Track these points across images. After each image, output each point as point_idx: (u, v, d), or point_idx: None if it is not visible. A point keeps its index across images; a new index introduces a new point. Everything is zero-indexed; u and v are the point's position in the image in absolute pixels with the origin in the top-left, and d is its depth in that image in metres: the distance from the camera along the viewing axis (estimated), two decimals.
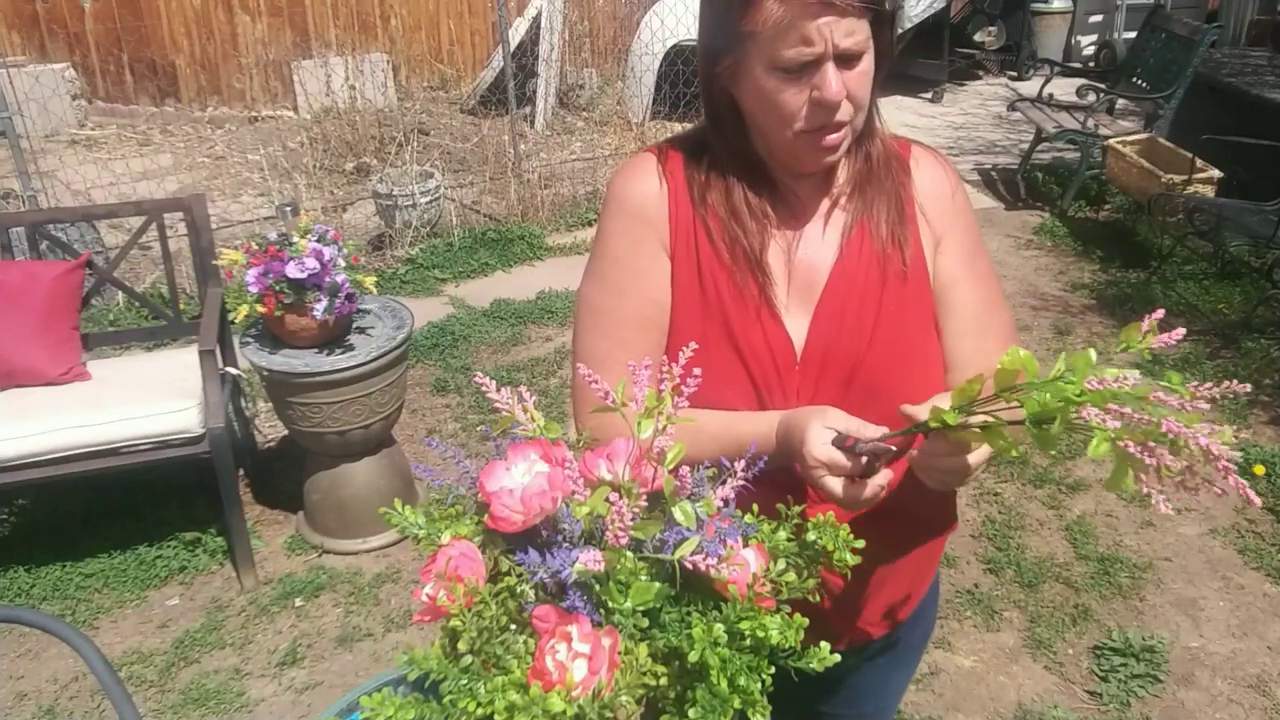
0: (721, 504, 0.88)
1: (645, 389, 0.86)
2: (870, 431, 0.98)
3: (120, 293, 4.16)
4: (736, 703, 0.76)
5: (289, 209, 3.04)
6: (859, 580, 1.18)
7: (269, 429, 3.65)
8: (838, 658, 0.84)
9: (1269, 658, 2.59)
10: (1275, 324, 4.16)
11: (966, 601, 2.81)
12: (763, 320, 1.12)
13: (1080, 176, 5.52)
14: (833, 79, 1.00)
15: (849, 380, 1.13)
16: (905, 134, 1.24)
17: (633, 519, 0.80)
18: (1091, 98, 5.57)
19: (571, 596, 0.78)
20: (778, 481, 1.00)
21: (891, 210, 1.15)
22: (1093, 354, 0.81)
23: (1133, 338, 0.80)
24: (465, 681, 0.76)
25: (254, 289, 2.70)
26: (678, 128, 6.23)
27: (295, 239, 2.77)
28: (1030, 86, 7.39)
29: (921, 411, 0.95)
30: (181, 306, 3.52)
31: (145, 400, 2.81)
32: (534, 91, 7.02)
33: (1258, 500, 0.78)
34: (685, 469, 0.87)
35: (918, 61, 7.94)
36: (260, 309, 2.73)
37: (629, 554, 0.79)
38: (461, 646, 0.77)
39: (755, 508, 0.91)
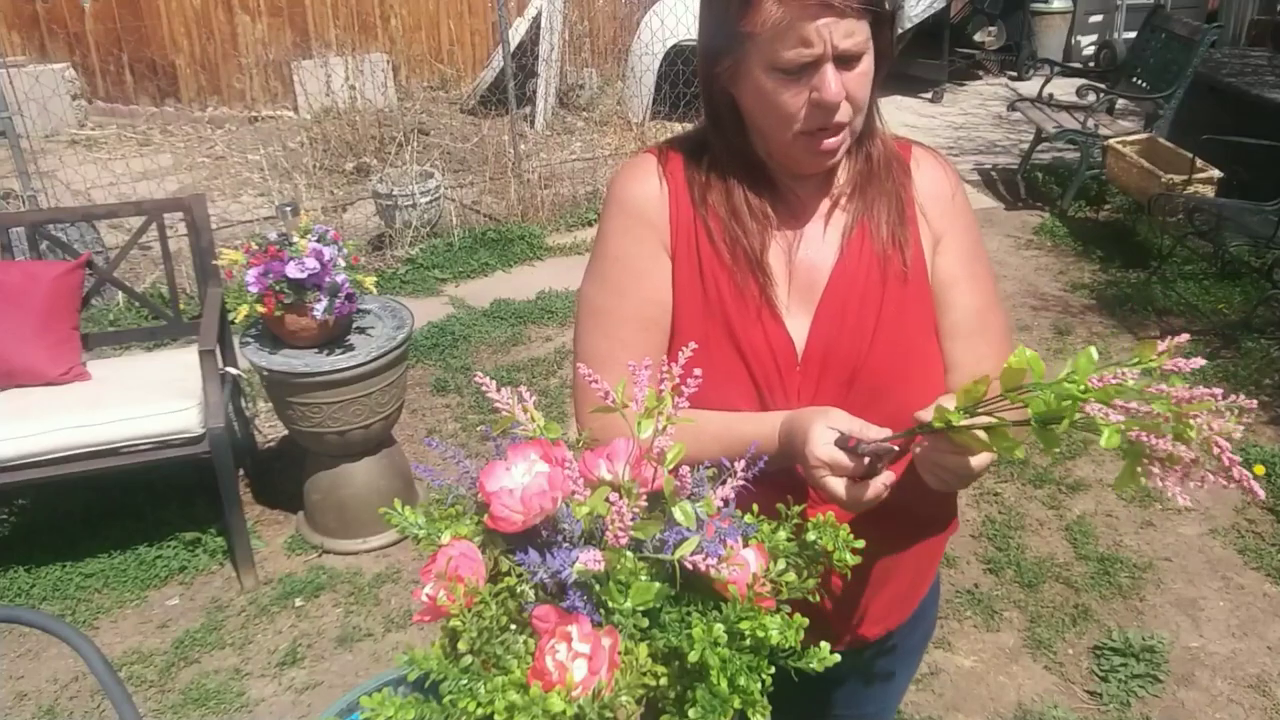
0: (721, 504, 0.88)
1: (645, 389, 0.86)
2: (873, 432, 0.97)
3: (120, 293, 4.16)
4: (736, 703, 0.76)
5: (289, 209, 3.04)
6: (860, 581, 1.18)
7: (269, 429, 3.65)
8: (838, 658, 0.84)
9: (1269, 658, 2.59)
10: (1275, 324, 4.16)
11: (966, 601, 2.81)
12: (764, 321, 1.12)
13: (1080, 176, 5.52)
14: (832, 80, 1.00)
15: (850, 381, 1.13)
16: (905, 134, 1.24)
17: (633, 519, 0.80)
18: (1091, 98, 5.57)
19: (571, 596, 0.78)
20: (778, 481, 1.00)
21: (892, 211, 1.15)
22: (1094, 352, 0.81)
23: (1147, 354, 0.80)
24: (465, 681, 0.76)
25: (254, 289, 2.70)
26: (678, 128, 6.24)
27: (295, 239, 2.77)
28: (1030, 86, 7.39)
29: (929, 414, 0.95)
30: (181, 306, 3.52)
31: (145, 400, 2.81)
32: (534, 91, 7.02)
33: (1262, 493, 0.78)
34: (685, 469, 0.87)
35: (918, 61, 7.94)
36: (260, 309, 2.73)
37: (629, 554, 0.79)
38: (461, 646, 0.77)
39: (755, 508, 0.91)
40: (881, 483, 0.98)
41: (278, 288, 2.70)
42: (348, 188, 6.06)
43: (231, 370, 3.17)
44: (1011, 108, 6.28)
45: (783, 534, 0.89)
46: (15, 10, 7.50)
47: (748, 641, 0.79)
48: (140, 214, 3.34)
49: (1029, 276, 4.86)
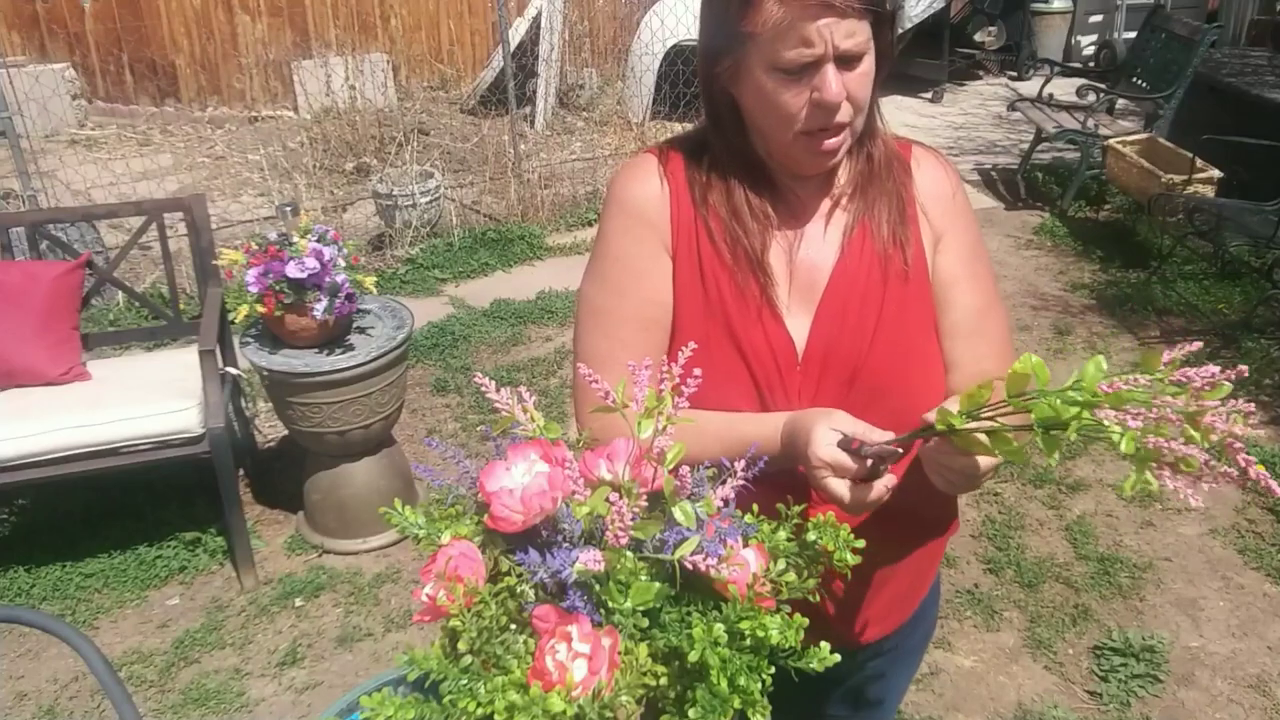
0: (721, 504, 0.88)
1: (645, 389, 0.86)
2: (876, 435, 0.97)
3: (120, 293, 4.16)
4: (736, 703, 0.76)
5: (289, 209, 3.04)
6: (860, 582, 1.18)
7: (269, 429, 3.65)
8: (838, 658, 0.83)
9: (1269, 658, 2.59)
10: (1275, 324, 4.16)
11: (966, 601, 2.81)
12: (764, 320, 1.12)
13: (1080, 176, 5.52)
14: (833, 80, 1.00)
15: (850, 380, 1.13)
16: (905, 134, 1.24)
17: (633, 519, 0.80)
18: (1091, 98, 5.57)
19: (571, 596, 0.78)
20: (778, 482, 1.00)
21: (893, 210, 1.15)
22: (1103, 361, 0.81)
23: (1152, 363, 0.79)
24: (465, 681, 0.76)
25: (254, 289, 2.70)
26: (678, 128, 6.24)
27: (295, 239, 2.77)
28: (1030, 86, 7.39)
29: (934, 417, 0.94)
30: (181, 306, 3.52)
31: (145, 400, 2.81)
32: (534, 91, 7.02)
33: (1279, 489, 0.78)
34: (685, 469, 0.87)
35: (918, 61, 7.94)
36: (260, 309, 2.73)
37: (629, 554, 0.79)
38: (461, 646, 0.77)
39: (755, 508, 0.91)
40: (884, 485, 0.98)
41: (278, 288, 2.70)
42: (348, 188, 6.06)
43: (231, 370, 3.17)
44: (1011, 108, 6.28)
45: (783, 534, 0.89)
46: (15, 10, 7.50)
47: (748, 641, 0.78)
48: (140, 214, 3.34)
49: (1029, 276, 4.86)
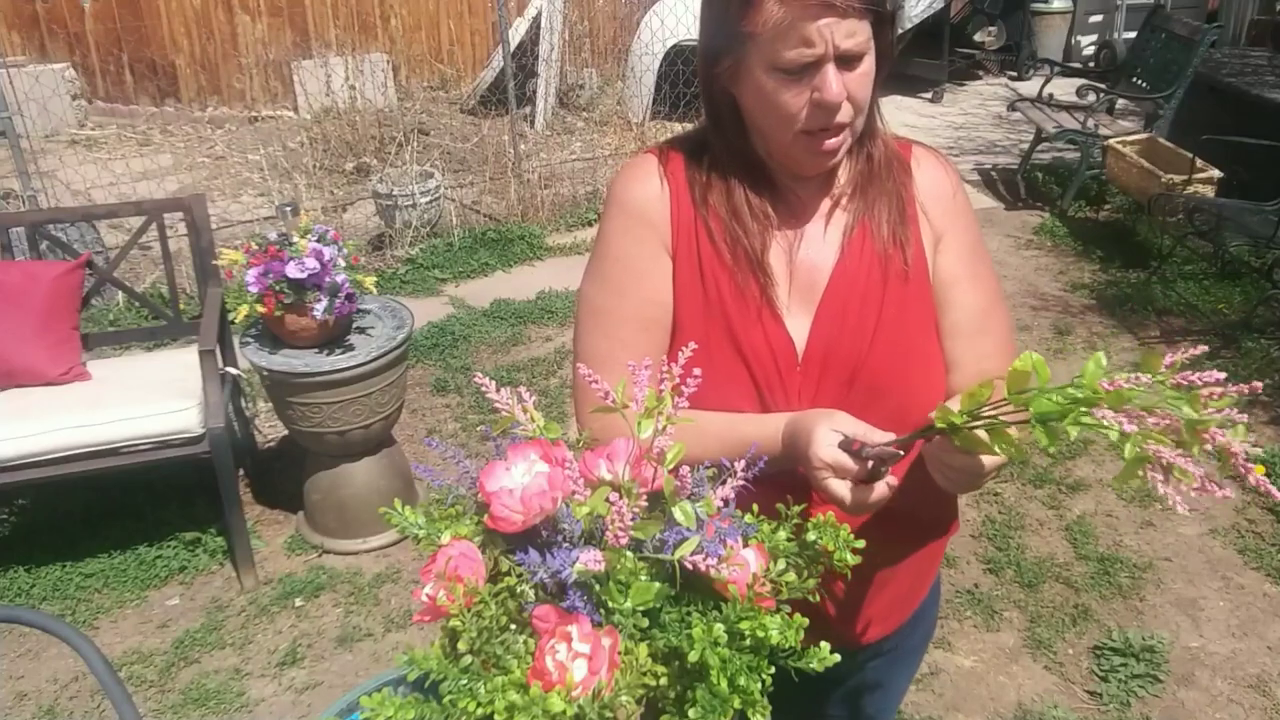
0: (721, 504, 0.87)
1: (645, 389, 0.86)
2: (877, 436, 0.97)
3: (120, 293, 4.16)
4: (736, 703, 0.76)
5: (289, 209, 3.04)
6: (860, 582, 1.18)
7: (269, 429, 3.65)
8: (838, 658, 0.83)
9: (1269, 658, 2.59)
10: (1275, 324, 4.16)
11: (966, 601, 2.81)
12: (764, 321, 1.12)
13: (1080, 176, 5.52)
14: (833, 80, 1.00)
15: (850, 381, 1.13)
16: (905, 134, 1.24)
17: (633, 519, 0.80)
18: (1091, 98, 5.57)
19: (571, 596, 0.78)
20: (778, 482, 1.00)
21: (893, 210, 1.14)
22: (1102, 357, 0.81)
23: (1153, 365, 0.80)
24: (465, 681, 0.76)
25: (254, 289, 2.70)
26: (678, 128, 6.24)
27: (295, 239, 2.77)
28: (1030, 86, 7.39)
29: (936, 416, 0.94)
30: (181, 306, 3.52)
31: (145, 400, 2.81)
32: (534, 91, 7.03)
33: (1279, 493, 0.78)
34: (685, 469, 0.87)
35: (918, 61, 7.94)
36: (260, 309, 2.73)
37: (629, 554, 0.79)
38: (461, 646, 0.77)
39: (755, 508, 0.91)
40: (884, 486, 0.98)
41: (278, 288, 2.70)
42: (348, 188, 6.06)
43: (231, 370, 3.17)
44: (1011, 108, 6.28)
45: (783, 534, 0.89)
46: (15, 10, 7.50)
47: (748, 641, 0.78)
48: (140, 214, 3.34)
49: (1029, 276, 4.86)
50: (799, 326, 1.13)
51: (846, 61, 1.00)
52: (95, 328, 3.93)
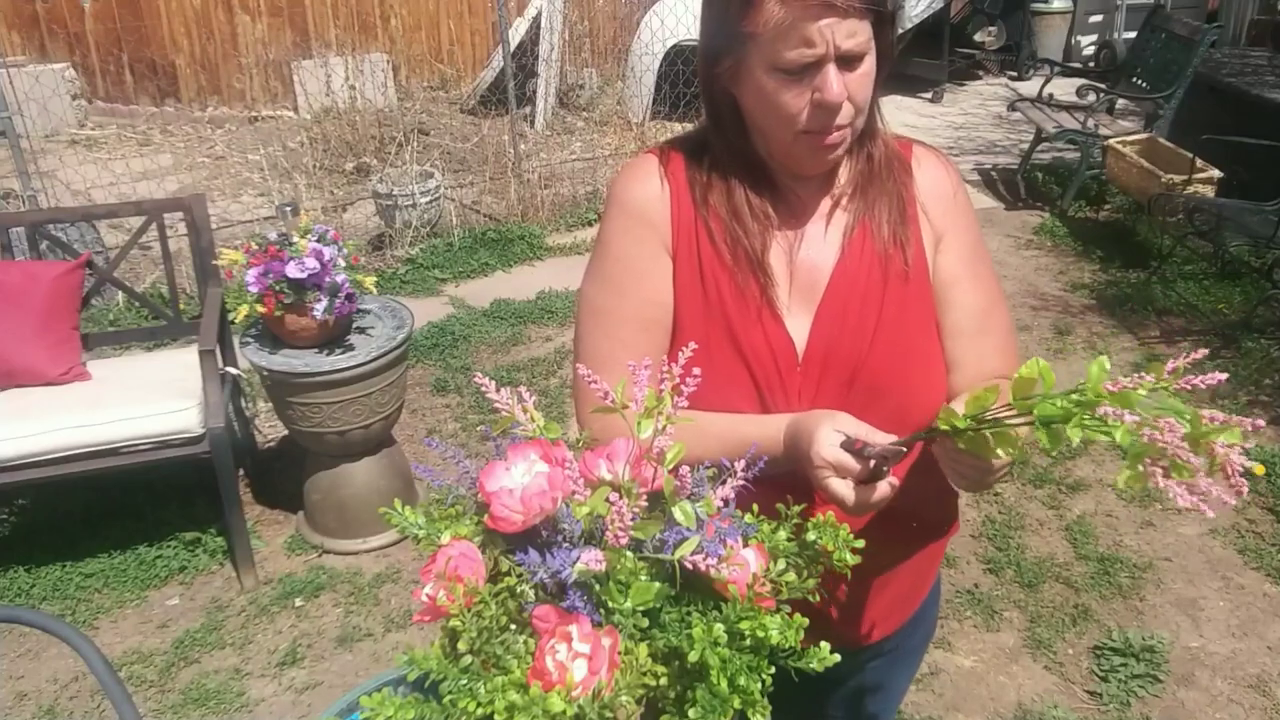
0: (721, 504, 0.87)
1: (645, 389, 0.86)
2: (879, 437, 0.97)
3: (120, 293, 4.16)
4: (736, 703, 0.76)
5: (289, 209, 3.04)
6: (861, 583, 1.18)
7: (269, 429, 3.65)
8: (838, 658, 0.83)
9: (1269, 658, 2.59)
10: (1275, 324, 4.16)
11: (966, 601, 2.81)
12: (764, 321, 1.12)
13: (1080, 176, 5.52)
14: (834, 81, 1.00)
15: (850, 381, 1.13)
16: (905, 134, 1.24)
17: (633, 519, 0.80)
18: (1091, 98, 5.57)
19: (571, 596, 0.78)
20: (779, 481, 1.00)
21: (893, 210, 1.14)
22: (1106, 361, 0.81)
23: (1159, 371, 0.80)
24: (465, 681, 0.76)
25: (254, 289, 2.70)
26: (678, 128, 6.24)
27: (295, 239, 2.77)
28: (1030, 86, 7.39)
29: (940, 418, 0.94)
30: (181, 306, 3.52)
31: (145, 400, 2.81)
32: (534, 91, 7.03)
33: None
34: (685, 469, 0.87)
35: (918, 61, 7.94)
36: (260, 309, 2.73)
37: (629, 554, 0.79)
38: (461, 646, 0.77)
39: (755, 507, 0.91)
40: (886, 486, 0.98)
41: (278, 288, 2.70)
42: (348, 188, 6.06)
43: (231, 370, 3.17)
44: (1011, 108, 6.28)
45: (783, 534, 0.89)
46: (15, 10, 7.50)
47: (748, 641, 0.78)
48: (140, 214, 3.34)
49: (1029, 276, 4.86)
50: (799, 327, 1.13)
51: (847, 62, 1.00)
52: (95, 328, 3.93)
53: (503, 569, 0.81)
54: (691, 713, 0.76)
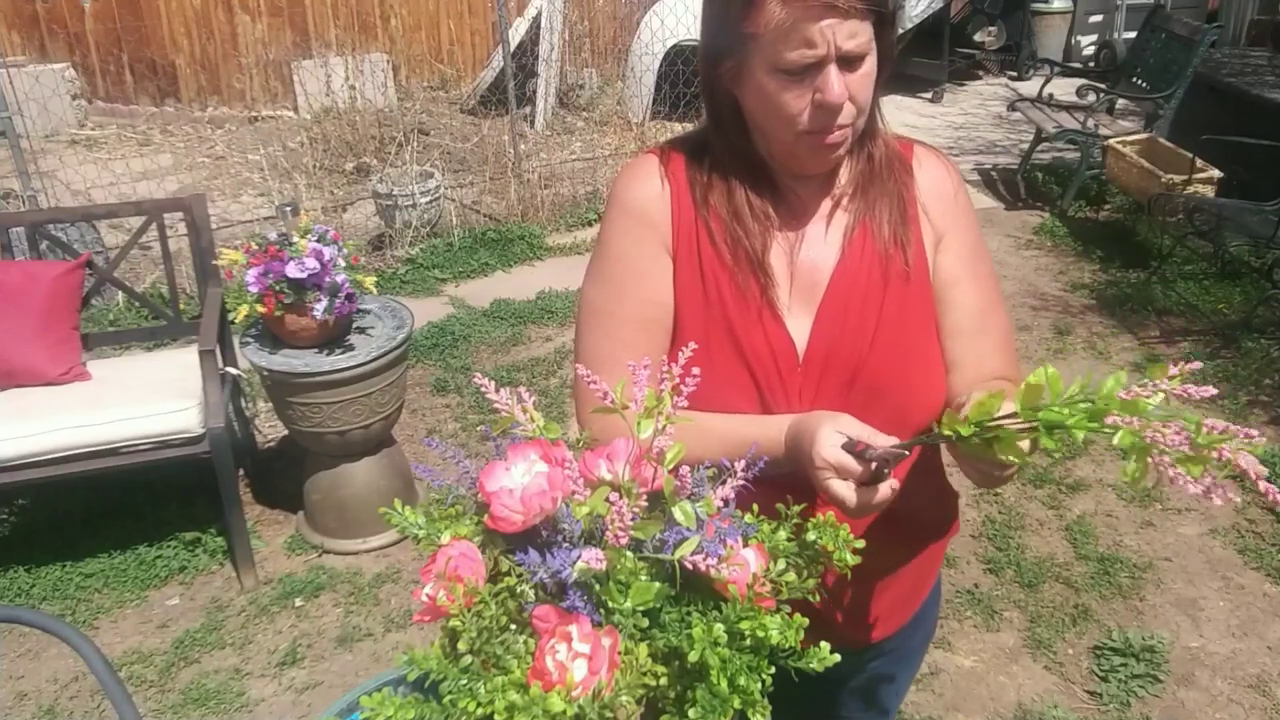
0: (721, 504, 0.87)
1: (645, 389, 0.86)
2: (881, 439, 0.97)
3: (120, 293, 4.16)
4: (736, 703, 0.76)
5: (289, 209, 3.04)
6: (861, 584, 1.18)
7: (269, 429, 3.65)
8: (838, 658, 0.83)
9: (1269, 658, 2.59)
10: (1275, 324, 4.16)
11: (966, 601, 2.81)
12: (765, 321, 1.12)
13: (1080, 176, 5.52)
14: (835, 81, 1.00)
15: (851, 381, 1.13)
16: (905, 134, 1.24)
17: (633, 519, 0.80)
18: (1091, 98, 5.57)
19: (571, 596, 0.78)
20: (779, 481, 1.00)
21: (894, 211, 1.14)
22: (1123, 376, 0.81)
23: (1159, 374, 0.80)
24: (465, 681, 0.76)
25: (254, 289, 2.70)
26: (678, 128, 6.24)
27: (295, 239, 2.77)
28: (1030, 86, 7.40)
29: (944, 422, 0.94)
30: (181, 306, 3.52)
31: (145, 400, 2.81)
32: (534, 91, 7.03)
33: None
34: (685, 469, 0.87)
35: (918, 61, 7.94)
36: (260, 309, 2.73)
37: (629, 554, 0.79)
38: (461, 646, 0.77)
39: (755, 507, 0.91)
40: (887, 488, 0.98)
41: (278, 288, 2.70)
42: (348, 188, 6.06)
43: (231, 370, 3.17)
44: (1011, 108, 6.28)
45: (783, 534, 0.89)
46: (15, 10, 7.50)
47: (748, 641, 0.78)
48: (140, 214, 3.34)
49: (1029, 276, 4.86)
50: (800, 327, 1.13)
51: (848, 62, 1.00)
52: (95, 328, 3.93)
53: (503, 569, 0.81)
54: (691, 713, 0.76)
